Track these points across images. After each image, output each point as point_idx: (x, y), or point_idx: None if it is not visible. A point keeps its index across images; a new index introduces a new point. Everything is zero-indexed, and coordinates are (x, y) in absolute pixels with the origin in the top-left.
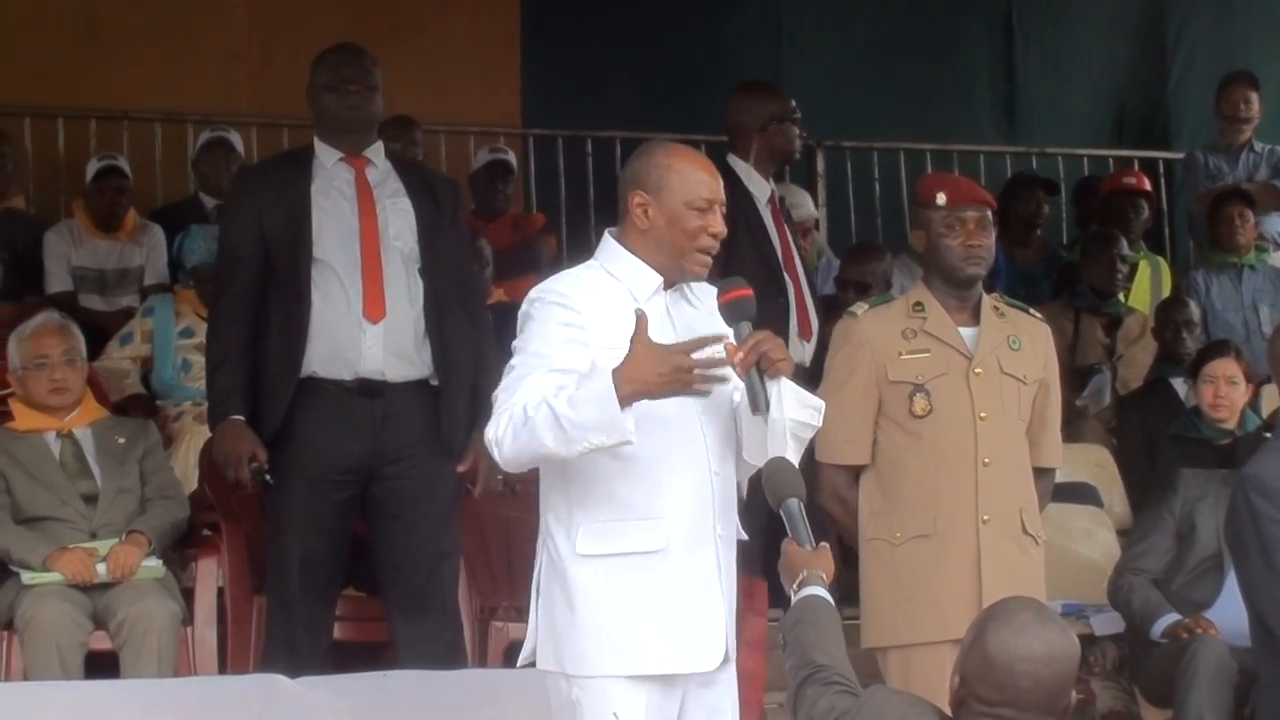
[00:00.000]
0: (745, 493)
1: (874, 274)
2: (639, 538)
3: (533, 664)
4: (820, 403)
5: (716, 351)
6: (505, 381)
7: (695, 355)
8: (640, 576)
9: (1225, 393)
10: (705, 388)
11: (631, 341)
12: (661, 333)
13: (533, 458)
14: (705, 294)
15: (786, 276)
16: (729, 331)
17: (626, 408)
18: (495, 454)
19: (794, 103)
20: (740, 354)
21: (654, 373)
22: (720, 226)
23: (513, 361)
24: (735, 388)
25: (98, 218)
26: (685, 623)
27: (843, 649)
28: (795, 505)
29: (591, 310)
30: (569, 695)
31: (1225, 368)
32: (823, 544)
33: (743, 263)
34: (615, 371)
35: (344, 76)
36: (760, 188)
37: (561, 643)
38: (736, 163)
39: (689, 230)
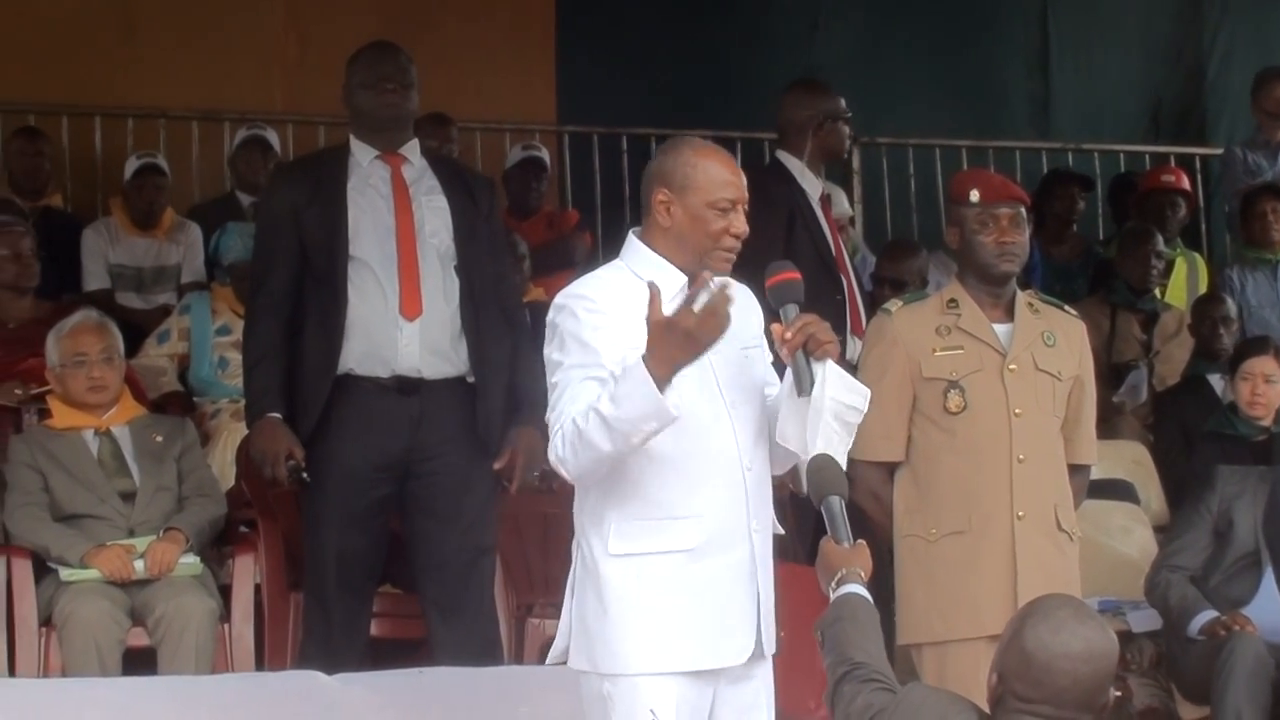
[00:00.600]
0: (799, 485)
1: (910, 271)
2: (671, 536)
3: (563, 663)
4: (866, 390)
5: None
6: (551, 400)
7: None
8: (672, 574)
9: (1262, 390)
10: (717, 333)
11: (647, 320)
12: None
13: (597, 464)
14: (734, 292)
15: (840, 274)
16: (756, 328)
17: (666, 388)
18: (564, 473)
19: (844, 102)
20: (788, 335)
21: (675, 345)
22: (742, 226)
23: (554, 379)
24: (767, 382)
25: (136, 216)
26: (716, 619)
27: (881, 646)
28: (837, 504)
29: (617, 310)
30: (600, 690)
31: (1263, 365)
32: (860, 541)
33: (801, 259)
34: (644, 357)
35: (380, 74)
36: (813, 185)
37: (594, 641)
38: (789, 160)
39: (711, 230)
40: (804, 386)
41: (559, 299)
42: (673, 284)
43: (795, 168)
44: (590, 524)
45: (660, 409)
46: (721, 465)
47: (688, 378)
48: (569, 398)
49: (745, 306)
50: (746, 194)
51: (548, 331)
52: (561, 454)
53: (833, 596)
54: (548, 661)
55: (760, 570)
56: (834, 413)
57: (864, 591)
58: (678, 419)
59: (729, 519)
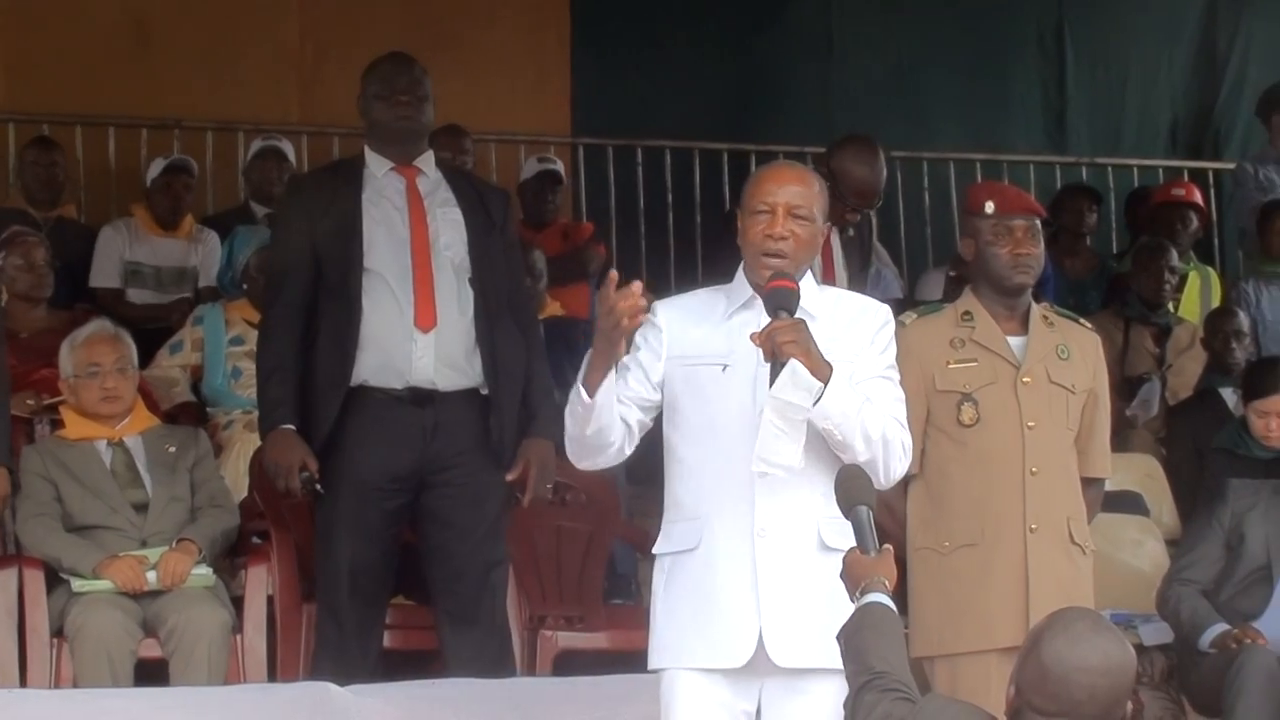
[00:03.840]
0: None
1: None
2: (681, 537)
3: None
4: (816, 384)
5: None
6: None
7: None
8: (688, 574)
9: (1276, 425)
10: (625, 325)
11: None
12: (743, 343)
13: (580, 444)
14: (822, 303)
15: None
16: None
17: (605, 375)
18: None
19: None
20: (757, 341)
21: (599, 333)
22: (778, 228)
23: None
24: None
25: (161, 215)
26: (716, 619)
27: (903, 656)
28: (865, 513)
29: (672, 324)
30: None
31: (1276, 404)
32: (885, 547)
33: None
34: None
35: (395, 87)
36: None
37: (649, 638)
38: None
39: (753, 236)
40: None
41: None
42: (739, 298)
43: None
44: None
45: (579, 389)
46: (731, 469)
47: (731, 386)
48: None
49: (831, 315)
50: (799, 200)
51: None
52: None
53: (856, 605)
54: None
55: (766, 576)
56: (776, 409)
57: (888, 600)
58: (592, 404)
59: (733, 521)
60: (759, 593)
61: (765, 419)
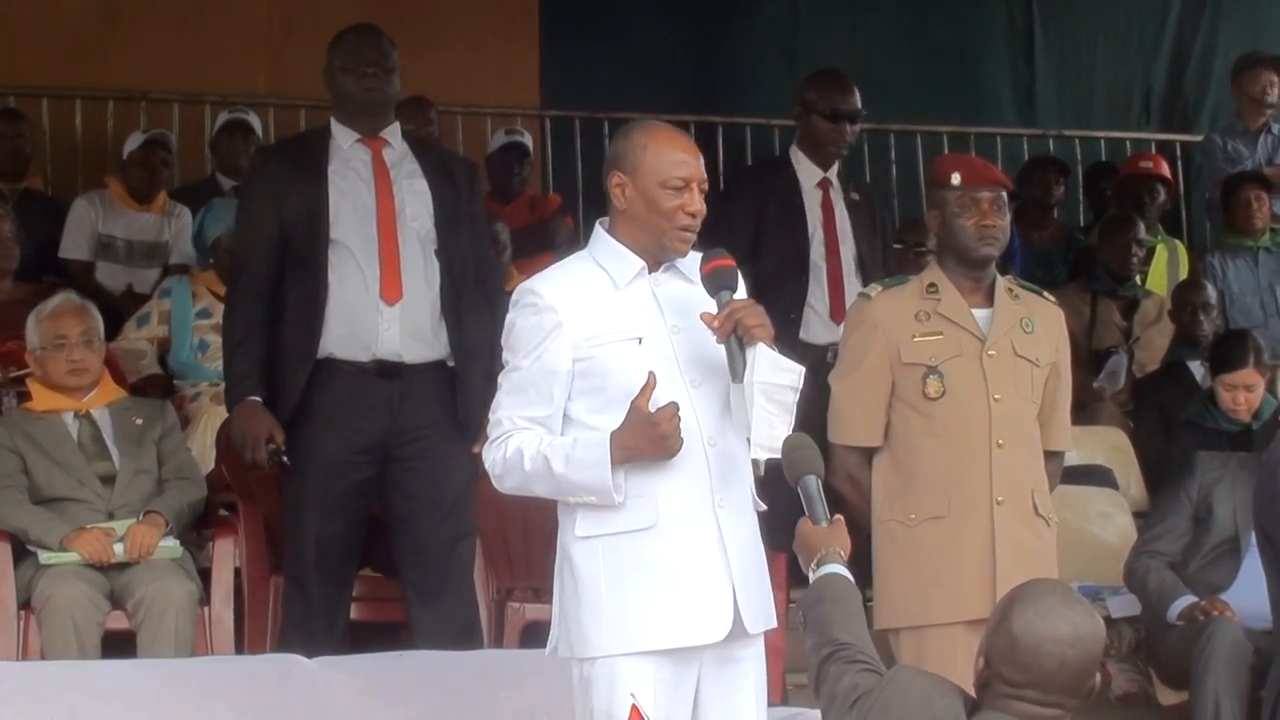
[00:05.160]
0: (761, 468)
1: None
2: (631, 515)
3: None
4: (799, 367)
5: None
6: (495, 401)
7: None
8: (636, 553)
9: (1244, 399)
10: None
11: (630, 406)
12: (648, 314)
13: (524, 493)
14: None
15: (824, 259)
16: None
17: (618, 469)
18: (493, 481)
19: (843, 99)
20: (716, 323)
21: (644, 440)
22: (698, 205)
23: (500, 378)
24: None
25: (136, 188)
26: (686, 596)
27: (864, 627)
28: (813, 483)
29: (566, 304)
30: (580, 675)
31: (1245, 378)
32: (837, 517)
33: (771, 256)
34: (613, 435)
35: (362, 59)
36: (809, 173)
37: (569, 626)
38: (794, 148)
39: (665, 210)
40: (737, 372)
41: (515, 293)
42: (628, 269)
43: (795, 155)
44: (563, 509)
45: (605, 490)
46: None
47: (644, 357)
48: (512, 405)
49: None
50: (703, 173)
51: (505, 323)
52: (494, 467)
53: (813, 577)
54: (546, 654)
55: (732, 547)
56: (764, 394)
57: (845, 571)
58: (620, 504)
59: (689, 495)
60: (730, 564)
61: (757, 405)
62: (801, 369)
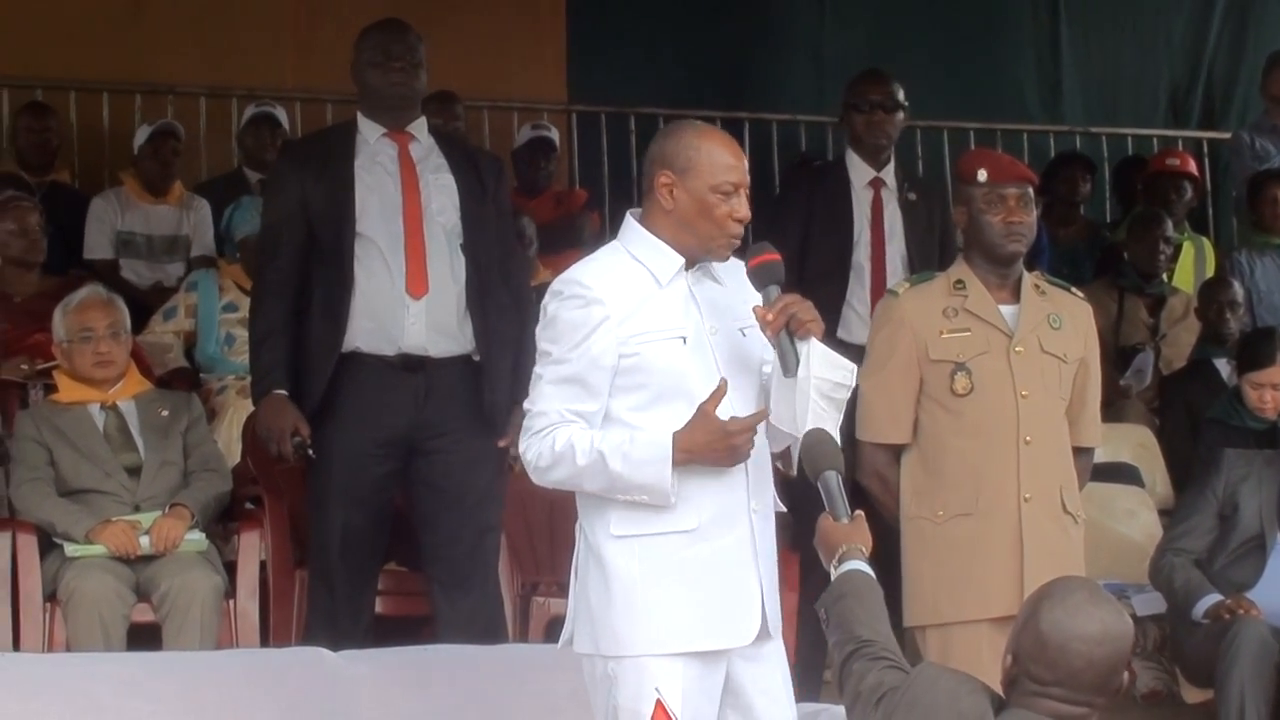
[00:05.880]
0: (788, 466)
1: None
2: (671, 517)
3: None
4: (852, 365)
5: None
6: (535, 392)
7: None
8: (673, 555)
9: (1270, 397)
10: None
11: (698, 410)
12: (688, 314)
13: (567, 488)
14: (731, 271)
15: (869, 259)
16: (750, 307)
17: (675, 470)
18: (531, 474)
19: (878, 91)
20: (769, 316)
21: (709, 446)
22: (745, 211)
23: (541, 369)
24: (764, 360)
25: (150, 181)
26: (719, 599)
27: (887, 624)
28: (834, 479)
29: (613, 298)
30: (604, 672)
31: (1271, 376)
32: (857, 513)
33: (817, 256)
34: (675, 437)
35: (390, 54)
36: (860, 172)
37: (597, 624)
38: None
39: (715, 215)
40: (789, 367)
41: (555, 284)
42: (670, 267)
43: (849, 157)
44: (592, 506)
45: (662, 491)
46: None
47: (688, 357)
48: (560, 398)
49: (738, 284)
50: (748, 178)
51: (541, 314)
52: (539, 459)
53: (834, 574)
54: (558, 647)
55: (761, 550)
56: (820, 391)
57: (866, 568)
58: (672, 505)
59: (728, 499)
60: (759, 568)
61: (811, 400)
62: (854, 366)
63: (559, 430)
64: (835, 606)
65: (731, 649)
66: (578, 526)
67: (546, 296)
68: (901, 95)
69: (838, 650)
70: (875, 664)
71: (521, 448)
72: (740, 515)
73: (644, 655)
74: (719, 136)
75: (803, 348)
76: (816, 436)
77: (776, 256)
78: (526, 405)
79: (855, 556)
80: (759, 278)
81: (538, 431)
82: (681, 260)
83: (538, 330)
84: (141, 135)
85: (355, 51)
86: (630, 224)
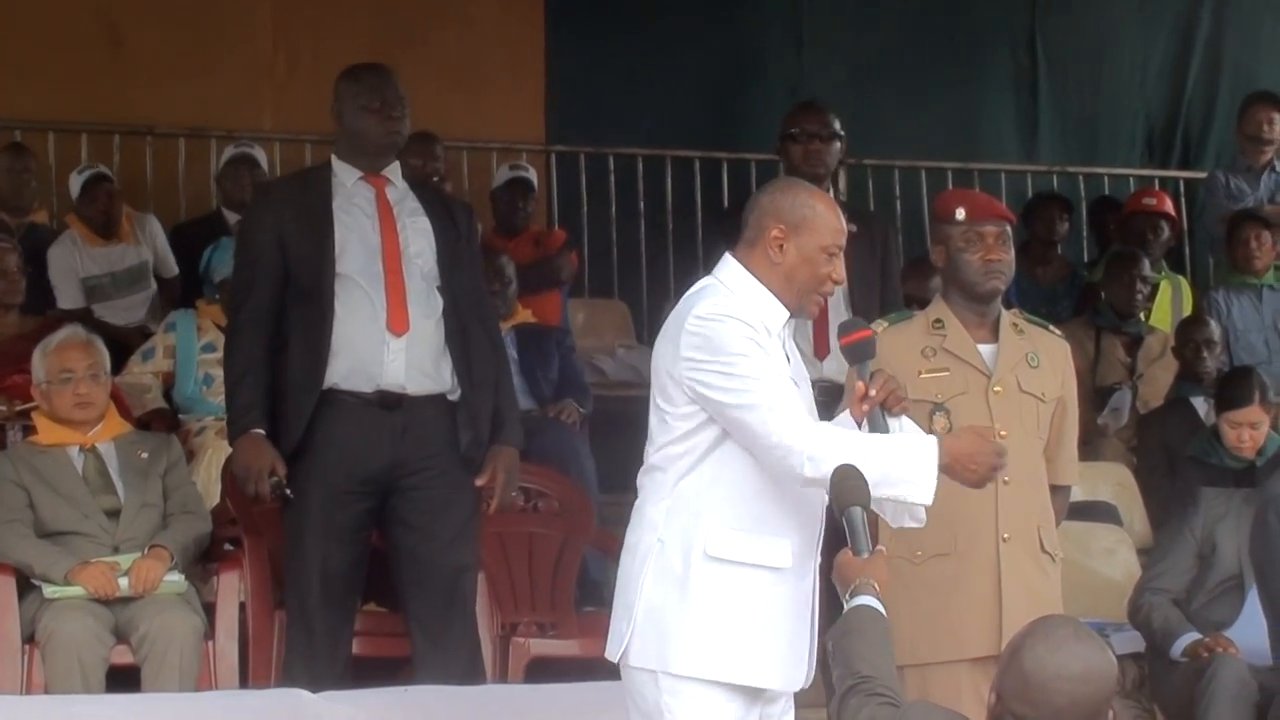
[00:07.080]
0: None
1: (931, 289)
2: (768, 552)
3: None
4: (932, 438)
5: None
6: (755, 395)
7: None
8: (759, 590)
9: (1248, 436)
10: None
11: (975, 432)
12: (787, 364)
13: (835, 479)
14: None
15: None
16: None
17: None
18: (802, 464)
19: (813, 120)
20: (872, 392)
21: (973, 459)
22: (842, 274)
23: (745, 395)
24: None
25: (95, 227)
26: (785, 641)
27: (890, 660)
28: (859, 514)
29: (761, 333)
30: (657, 701)
31: (1249, 415)
32: (878, 549)
33: None
34: (946, 439)
35: (386, 99)
36: None
37: (667, 639)
38: None
39: (819, 274)
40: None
41: (711, 312)
42: (780, 319)
43: None
44: (686, 521)
45: (928, 487)
46: (811, 492)
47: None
48: (787, 398)
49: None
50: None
51: (700, 341)
52: (808, 447)
53: (846, 607)
54: (612, 656)
55: (817, 599)
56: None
57: (877, 604)
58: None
59: (806, 544)
60: (815, 618)
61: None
62: (934, 438)
63: (809, 424)
64: (840, 641)
65: (772, 691)
66: (637, 536)
67: (699, 325)
68: (838, 125)
69: (838, 684)
70: (870, 700)
71: (790, 439)
72: (810, 564)
73: (707, 681)
74: (830, 200)
75: (894, 424)
76: (846, 472)
77: (869, 333)
78: (748, 419)
79: (866, 591)
80: (853, 354)
81: (794, 428)
82: (787, 314)
83: (701, 355)
84: (75, 186)
85: (339, 93)
86: (735, 268)
